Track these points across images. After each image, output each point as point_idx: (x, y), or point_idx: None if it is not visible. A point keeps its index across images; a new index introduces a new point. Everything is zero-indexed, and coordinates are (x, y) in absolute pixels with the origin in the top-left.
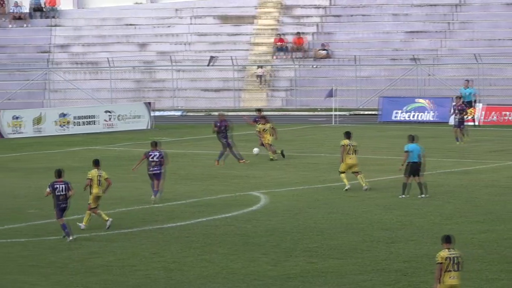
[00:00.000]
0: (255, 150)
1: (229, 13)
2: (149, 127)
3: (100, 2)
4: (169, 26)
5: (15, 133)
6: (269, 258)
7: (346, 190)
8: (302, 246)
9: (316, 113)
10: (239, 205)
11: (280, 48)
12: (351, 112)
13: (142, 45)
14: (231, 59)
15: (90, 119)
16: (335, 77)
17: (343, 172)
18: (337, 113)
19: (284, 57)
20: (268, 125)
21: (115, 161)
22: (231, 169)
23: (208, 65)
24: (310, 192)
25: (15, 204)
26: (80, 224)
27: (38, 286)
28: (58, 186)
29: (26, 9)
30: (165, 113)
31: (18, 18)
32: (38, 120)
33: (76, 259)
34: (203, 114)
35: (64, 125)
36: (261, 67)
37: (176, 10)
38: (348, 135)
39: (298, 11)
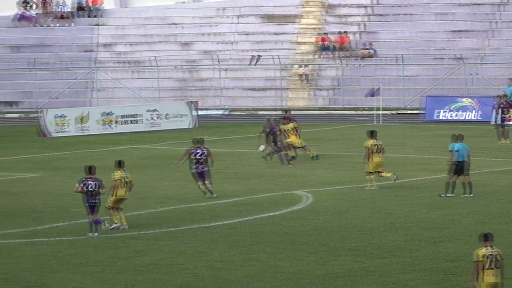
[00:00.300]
0: (261, 147)
1: (273, 12)
2: (193, 126)
3: (144, 1)
4: (213, 25)
5: (59, 132)
6: (316, 257)
7: (370, 188)
8: (348, 245)
9: (360, 112)
10: (285, 203)
11: (324, 47)
12: (395, 112)
13: (187, 44)
14: (275, 58)
15: (135, 118)
16: (379, 76)
17: (372, 173)
18: (381, 112)
19: (328, 56)
20: (290, 125)
21: (160, 160)
22: (277, 168)
23: (252, 64)
24: (356, 191)
25: (61, 202)
26: (115, 225)
27: (84, 284)
28: (90, 182)
29: (70, 8)
30: (210, 112)
31: (62, 17)
32: (82, 119)
33: (123, 258)
34: (247, 113)
35: (108, 124)
36: (303, 66)
37: (221, 9)
38: (373, 134)
39: (342, 10)
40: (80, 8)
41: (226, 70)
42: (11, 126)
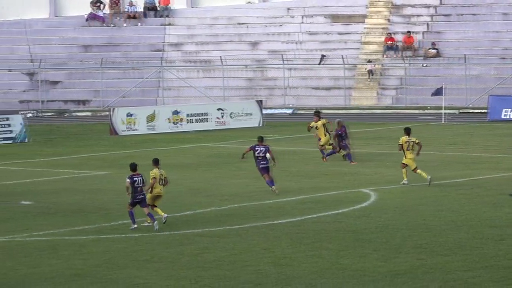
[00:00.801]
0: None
1: (340, 12)
2: (259, 125)
3: (213, 1)
4: (280, 25)
5: (129, 130)
6: (379, 254)
7: (404, 184)
8: (411, 242)
9: (425, 111)
10: (349, 202)
11: (390, 47)
12: (460, 111)
13: (254, 44)
14: (342, 58)
15: (203, 117)
16: (444, 75)
17: (406, 165)
18: (446, 111)
19: (394, 55)
20: (319, 122)
21: (226, 158)
22: (340, 166)
23: (319, 64)
24: (419, 190)
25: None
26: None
27: (150, 280)
28: (136, 178)
29: (140, 8)
30: (276, 111)
31: (133, 17)
32: (151, 118)
33: (188, 254)
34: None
35: (176, 123)
36: (370, 61)
37: (288, 9)
38: (407, 131)
39: (408, 11)
40: (149, 8)
41: (292, 69)
42: (81, 125)
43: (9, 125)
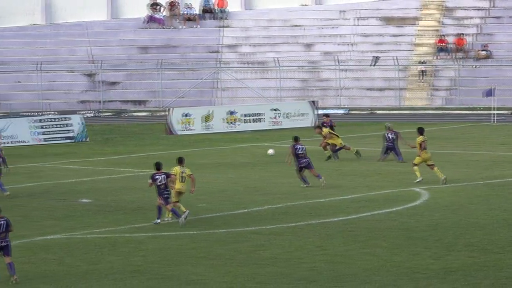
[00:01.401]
0: (270, 151)
1: (393, 15)
2: (313, 125)
3: (268, 3)
4: (334, 27)
5: (185, 130)
6: (431, 252)
7: (418, 182)
8: (463, 240)
9: (476, 112)
10: (401, 200)
11: (442, 48)
12: (510, 111)
13: (308, 46)
14: (394, 59)
15: (257, 117)
16: (495, 76)
17: (417, 165)
18: (497, 112)
19: (445, 57)
20: (325, 131)
21: (280, 157)
22: (393, 165)
23: (371, 65)
24: (471, 189)
25: (185, 198)
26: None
27: (206, 277)
28: (158, 177)
29: (197, 10)
30: (330, 111)
31: (190, 19)
32: (207, 118)
33: (244, 252)
34: (367, 112)
35: (232, 123)
36: (423, 62)
37: (342, 11)
38: (422, 131)
39: (459, 13)
40: (206, 10)
41: (345, 70)
42: (139, 124)
43: (69, 125)
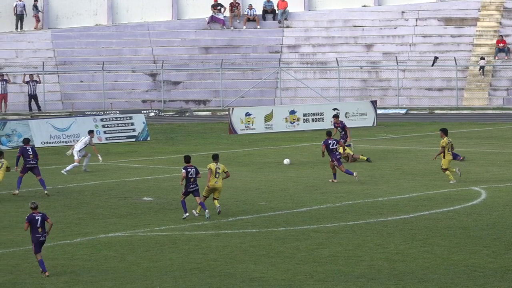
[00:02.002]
0: (286, 160)
1: (453, 16)
2: (374, 125)
3: (329, 4)
4: (394, 28)
5: (247, 129)
6: (489, 251)
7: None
8: None
9: None
10: (460, 199)
11: (501, 49)
12: None
13: (369, 46)
14: (454, 60)
15: (318, 116)
16: None
17: (447, 169)
18: None
19: (505, 57)
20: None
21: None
22: (452, 165)
23: (431, 66)
24: None
25: (246, 196)
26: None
27: (266, 274)
28: (190, 170)
29: (259, 11)
30: (390, 111)
31: (252, 20)
32: (268, 117)
33: (303, 249)
34: (426, 112)
35: (293, 122)
36: (483, 58)
37: (402, 12)
38: (446, 131)
39: None
40: (267, 11)
41: (405, 71)
42: (200, 124)
43: (132, 124)
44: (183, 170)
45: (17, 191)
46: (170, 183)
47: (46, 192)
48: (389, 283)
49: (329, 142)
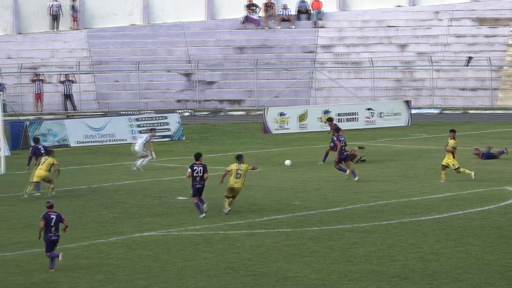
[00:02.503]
0: (287, 162)
1: (486, 16)
2: (408, 124)
3: (363, 5)
4: (428, 28)
5: (281, 129)
6: None
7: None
8: None
9: None
10: (494, 199)
11: None
12: None
13: (402, 46)
14: (488, 60)
15: (352, 116)
16: None
17: (460, 168)
18: None
19: None
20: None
21: (374, 156)
22: (486, 164)
23: (465, 66)
24: None
25: (280, 196)
26: (224, 210)
27: (300, 273)
28: (196, 168)
29: (293, 11)
30: (423, 111)
31: (286, 20)
32: (302, 117)
33: (337, 249)
34: (459, 112)
35: (326, 122)
36: None
37: (436, 12)
38: (454, 133)
39: None
40: (301, 11)
41: (438, 71)
42: (234, 123)
43: (166, 124)
44: (189, 169)
45: (38, 193)
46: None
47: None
48: (423, 282)
49: (341, 138)
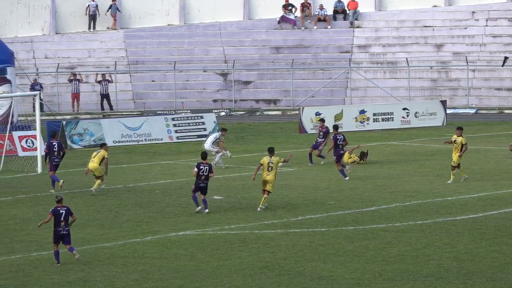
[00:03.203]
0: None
1: None
2: (443, 124)
3: (399, 5)
4: (465, 28)
5: (316, 129)
6: None
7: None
8: None
9: None
10: None
11: None
12: None
13: (439, 46)
14: None
15: (388, 116)
16: None
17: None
18: None
19: None
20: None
21: (409, 156)
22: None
23: (502, 66)
24: None
25: (315, 195)
26: (260, 208)
27: (335, 273)
28: (202, 167)
29: (329, 11)
30: (459, 111)
31: (322, 20)
32: (338, 117)
33: (372, 248)
34: (495, 112)
35: (363, 121)
36: None
37: (472, 12)
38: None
39: None
40: (337, 11)
41: (474, 71)
42: (271, 123)
43: (202, 123)
44: (196, 169)
45: (52, 190)
46: (240, 182)
47: (53, 190)
48: (457, 282)
49: (338, 137)
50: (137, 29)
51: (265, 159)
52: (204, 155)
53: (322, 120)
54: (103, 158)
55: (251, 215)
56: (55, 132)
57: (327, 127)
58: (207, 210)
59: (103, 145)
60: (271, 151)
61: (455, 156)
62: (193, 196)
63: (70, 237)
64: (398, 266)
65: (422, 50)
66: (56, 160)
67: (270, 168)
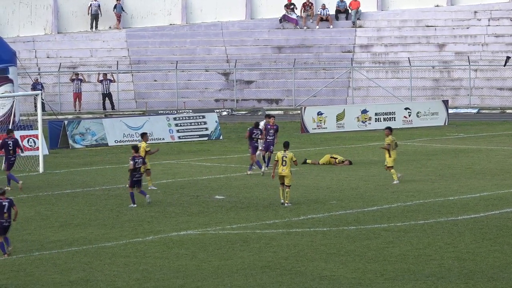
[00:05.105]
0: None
1: None
2: (445, 124)
3: (402, 4)
4: (467, 28)
5: (318, 128)
6: None
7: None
8: None
9: None
10: None
11: None
12: None
13: (441, 46)
14: None
15: (390, 116)
16: None
17: (392, 167)
18: None
19: None
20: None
21: (410, 156)
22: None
23: (504, 65)
24: None
25: (317, 195)
26: (286, 204)
27: (337, 272)
28: (137, 160)
29: (331, 11)
30: (461, 111)
31: (325, 19)
32: (340, 116)
33: (373, 248)
34: (497, 112)
35: (365, 121)
36: None
37: (474, 12)
38: (391, 130)
39: None
40: (339, 11)
41: (476, 70)
42: None
43: (204, 123)
44: (131, 162)
45: (8, 187)
46: (241, 181)
47: (8, 187)
48: (459, 282)
49: (254, 131)
50: (139, 29)
51: (279, 154)
52: (136, 148)
53: (269, 116)
54: (145, 153)
55: (253, 214)
56: (10, 130)
57: (277, 125)
58: (148, 196)
59: (143, 136)
60: (286, 146)
61: (395, 156)
62: (130, 193)
63: (9, 230)
64: (399, 265)
65: (424, 50)
66: (12, 159)
67: (284, 162)
